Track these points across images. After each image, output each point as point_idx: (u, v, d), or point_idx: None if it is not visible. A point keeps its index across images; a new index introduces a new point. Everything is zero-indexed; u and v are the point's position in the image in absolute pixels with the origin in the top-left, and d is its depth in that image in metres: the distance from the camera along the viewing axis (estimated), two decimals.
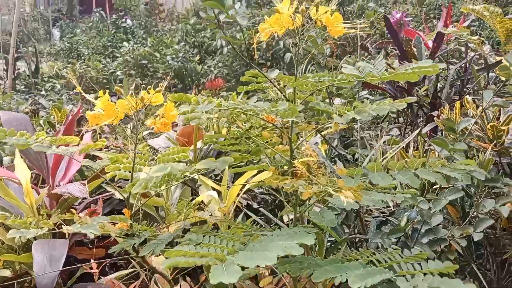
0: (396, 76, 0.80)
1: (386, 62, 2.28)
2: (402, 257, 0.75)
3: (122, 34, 8.97)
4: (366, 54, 2.55)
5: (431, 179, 0.77)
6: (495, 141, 1.56)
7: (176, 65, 7.12)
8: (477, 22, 4.67)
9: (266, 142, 1.01)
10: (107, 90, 0.97)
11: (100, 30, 9.29)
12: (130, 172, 1.02)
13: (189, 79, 7.21)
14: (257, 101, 0.98)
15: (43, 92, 6.43)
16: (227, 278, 0.62)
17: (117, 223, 0.98)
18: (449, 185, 1.24)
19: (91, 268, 1.20)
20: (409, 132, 2.14)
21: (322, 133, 1.81)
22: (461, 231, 1.29)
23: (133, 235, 1.01)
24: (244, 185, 1.39)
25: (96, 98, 1.02)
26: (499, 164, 1.63)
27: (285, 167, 0.99)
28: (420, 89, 1.92)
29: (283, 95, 0.97)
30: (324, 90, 1.80)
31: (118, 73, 6.32)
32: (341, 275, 0.66)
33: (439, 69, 0.77)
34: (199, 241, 0.87)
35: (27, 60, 8.79)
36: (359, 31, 0.86)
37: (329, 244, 1.37)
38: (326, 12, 0.84)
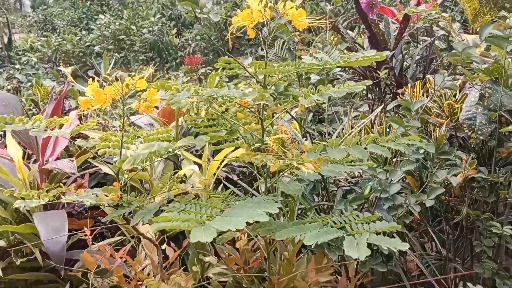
0: (350, 63, 0.93)
1: (354, 41, 2.38)
2: (354, 219, 0.90)
3: (97, 6, 8.79)
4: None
5: (378, 152, 0.92)
6: (450, 118, 1.72)
7: (152, 39, 7.07)
8: None
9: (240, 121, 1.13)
10: (95, 78, 1.06)
11: (75, 1, 9.08)
12: (118, 149, 1.13)
13: (166, 52, 7.19)
14: (231, 82, 1.10)
15: (18, 66, 6.34)
16: (204, 238, 0.73)
17: (109, 194, 1.10)
18: (405, 158, 1.40)
19: (86, 235, 1.32)
20: (378, 107, 2.28)
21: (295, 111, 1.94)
22: (415, 198, 1.46)
23: (123, 206, 1.13)
24: (223, 160, 1.51)
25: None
26: (455, 137, 1.80)
27: (258, 145, 1.12)
28: (387, 68, 2.05)
29: (256, 80, 1.09)
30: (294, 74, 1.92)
31: (96, 48, 6.25)
32: (300, 234, 0.80)
33: (385, 56, 0.90)
34: (182, 208, 1.00)
35: None
36: (320, 24, 0.98)
37: (299, 211, 1.52)
38: (292, 8, 0.96)
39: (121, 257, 1.32)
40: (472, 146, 1.62)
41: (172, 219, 0.83)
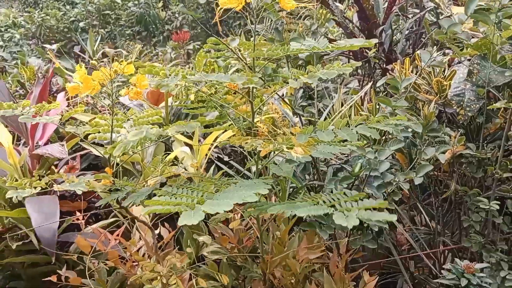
0: (338, 49, 0.93)
1: (343, 16, 2.35)
2: (343, 197, 0.91)
3: None
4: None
5: (367, 134, 0.93)
6: (439, 94, 1.73)
7: (138, 12, 6.92)
8: None
9: (229, 104, 1.13)
10: (82, 65, 1.05)
11: None
12: (108, 133, 1.12)
13: (153, 26, 7.06)
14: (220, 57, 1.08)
15: (1, 43, 6.19)
16: (191, 221, 0.74)
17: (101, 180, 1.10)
18: (393, 137, 1.41)
19: (78, 219, 1.33)
20: (367, 83, 2.28)
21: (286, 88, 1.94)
22: (404, 176, 1.48)
23: (116, 190, 1.13)
24: (214, 141, 1.52)
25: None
26: (444, 113, 1.82)
27: (248, 127, 1.12)
28: (377, 45, 2.04)
29: (244, 62, 1.08)
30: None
31: (81, 24, 6.10)
32: (290, 211, 0.82)
33: (373, 44, 0.90)
34: (174, 192, 1.00)
35: None
36: (307, 5, 0.97)
37: (291, 189, 1.54)
38: None
39: (115, 239, 1.34)
40: (461, 122, 1.64)
41: (163, 203, 0.84)
